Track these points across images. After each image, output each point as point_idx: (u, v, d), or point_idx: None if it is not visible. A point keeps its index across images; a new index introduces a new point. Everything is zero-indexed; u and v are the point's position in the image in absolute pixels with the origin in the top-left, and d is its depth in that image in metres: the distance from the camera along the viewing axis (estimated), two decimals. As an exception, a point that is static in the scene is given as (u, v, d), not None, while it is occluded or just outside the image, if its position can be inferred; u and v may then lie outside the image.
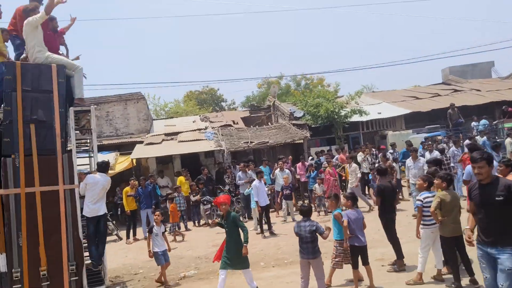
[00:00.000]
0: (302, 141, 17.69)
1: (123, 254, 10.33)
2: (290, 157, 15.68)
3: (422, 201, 6.27)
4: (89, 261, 7.25)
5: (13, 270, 6.25)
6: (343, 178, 13.78)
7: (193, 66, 73.44)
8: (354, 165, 12.66)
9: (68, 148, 7.23)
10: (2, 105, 6.92)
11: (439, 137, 17.70)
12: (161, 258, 7.76)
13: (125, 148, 18.05)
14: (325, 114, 18.64)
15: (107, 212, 7.48)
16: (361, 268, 6.39)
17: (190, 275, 8.05)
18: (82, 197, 7.21)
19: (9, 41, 7.54)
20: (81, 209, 7.05)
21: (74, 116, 7.16)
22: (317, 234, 5.98)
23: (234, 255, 6.44)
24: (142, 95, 20.63)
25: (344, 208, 6.82)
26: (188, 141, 17.92)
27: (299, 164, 15.19)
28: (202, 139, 18.10)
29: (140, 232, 12.40)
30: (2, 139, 6.40)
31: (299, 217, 6.60)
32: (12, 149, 6.40)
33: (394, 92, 30.04)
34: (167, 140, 18.49)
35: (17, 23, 7.63)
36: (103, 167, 7.38)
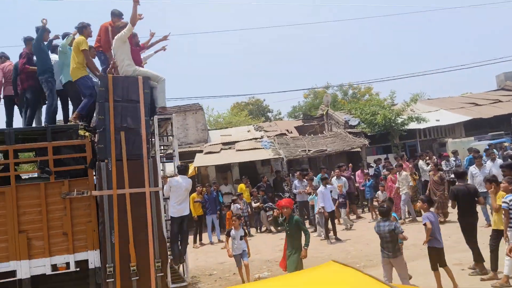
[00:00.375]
0: (359, 149, 17.69)
1: (193, 257, 10.80)
2: (350, 164, 15.70)
3: (508, 204, 6.25)
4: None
5: (107, 265, 6.82)
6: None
7: (239, 77, 74.79)
8: (404, 173, 12.55)
9: (152, 154, 7.77)
10: (94, 114, 7.62)
11: (506, 144, 17.06)
12: (239, 260, 8.12)
13: (184, 157, 18.75)
14: (382, 122, 18.52)
15: (190, 212, 7.94)
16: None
17: (264, 276, 8.34)
18: (165, 199, 7.72)
19: (95, 57, 8.27)
20: (165, 210, 7.55)
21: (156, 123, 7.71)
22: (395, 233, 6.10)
23: (291, 258, 6.74)
24: (200, 106, 21.40)
25: (422, 211, 6.92)
26: (246, 150, 18.37)
27: (358, 172, 15.21)
28: (259, 148, 18.50)
29: (205, 237, 12.87)
30: (97, 145, 7.03)
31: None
32: (105, 155, 7.01)
33: (450, 98, 29.20)
34: (225, 149, 19.05)
35: (101, 40, 8.38)
36: (183, 169, 7.87)
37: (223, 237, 10.97)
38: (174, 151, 8.08)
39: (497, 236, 6.69)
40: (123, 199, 7.02)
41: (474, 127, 23.11)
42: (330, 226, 11.34)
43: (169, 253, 7.49)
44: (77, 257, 6.91)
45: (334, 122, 22.21)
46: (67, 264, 6.88)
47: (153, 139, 7.82)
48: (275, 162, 19.25)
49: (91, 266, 6.95)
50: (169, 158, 9.17)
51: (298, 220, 6.88)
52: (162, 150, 9.40)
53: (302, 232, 6.82)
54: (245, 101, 45.48)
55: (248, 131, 23.50)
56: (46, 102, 7.72)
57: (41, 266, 6.75)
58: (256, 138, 20.54)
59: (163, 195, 7.47)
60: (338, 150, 16.71)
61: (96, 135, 7.19)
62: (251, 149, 18.51)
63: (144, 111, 7.31)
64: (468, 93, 33.99)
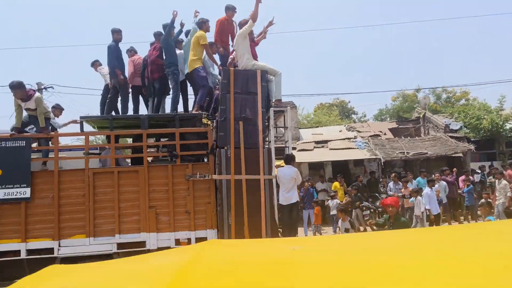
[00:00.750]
0: (461, 154, 16.86)
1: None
2: (455, 169, 15.04)
3: None
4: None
5: (223, 244, 7.36)
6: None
7: (324, 78, 74.08)
8: (504, 182, 11.81)
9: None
10: (212, 105, 8.24)
11: None
12: None
13: (278, 154, 19.24)
14: (489, 127, 17.45)
15: (298, 200, 8.27)
16: None
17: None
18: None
19: (216, 52, 8.91)
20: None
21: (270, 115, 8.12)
22: None
23: None
24: (294, 104, 21.75)
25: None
26: (339, 149, 18.37)
27: (462, 178, 14.53)
28: (352, 148, 18.40)
29: (301, 231, 13.16)
30: (218, 133, 7.62)
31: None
32: (225, 142, 7.58)
33: None
34: (318, 147, 19.22)
35: (217, 34, 9.03)
36: (289, 159, 8.24)
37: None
38: (287, 141, 8.47)
39: None
40: (240, 184, 7.53)
41: None
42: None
43: (279, 238, 7.85)
44: (198, 234, 7.55)
45: (432, 125, 21.32)
46: (189, 240, 7.55)
47: (268, 130, 8.25)
48: (368, 163, 19.00)
49: (208, 244, 7.54)
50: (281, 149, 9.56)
51: (405, 222, 6.80)
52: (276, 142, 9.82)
53: None
54: (329, 102, 45.08)
55: (340, 131, 23.41)
56: (171, 92, 8.50)
57: (166, 239, 7.49)
58: (349, 138, 20.43)
59: (276, 183, 7.86)
60: (439, 154, 16.07)
61: (217, 123, 7.79)
62: (345, 148, 18.47)
63: (261, 103, 7.78)
64: None
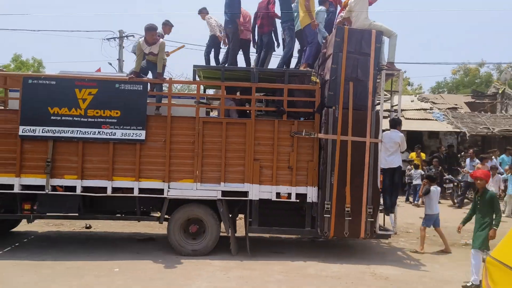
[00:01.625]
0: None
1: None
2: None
3: None
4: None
5: (325, 202, 7.48)
6: None
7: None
8: None
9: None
10: (318, 63, 8.11)
11: None
12: (429, 221, 8.30)
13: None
14: None
15: (401, 165, 8.19)
16: None
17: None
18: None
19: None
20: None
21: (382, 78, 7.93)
22: None
23: (477, 233, 6.35)
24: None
25: None
26: (415, 119, 17.84)
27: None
28: (429, 119, 17.82)
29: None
30: (328, 92, 7.56)
31: None
32: (334, 102, 7.53)
33: None
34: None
35: None
36: (395, 123, 8.10)
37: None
38: (396, 105, 8.32)
39: None
40: (345, 145, 7.52)
41: None
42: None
43: (381, 202, 7.86)
44: (298, 190, 7.69)
45: (513, 102, 20.14)
46: (289, 194, 7.72)
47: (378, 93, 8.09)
48: (444, 136, 18.38)
49: (308, 200, 7.68)
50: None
51: (493, 195, 6.48)
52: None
53: (494, 210, 6.36)
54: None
55: (411, 101, 22.64)
56: (285, 48, 8.44)
57: (268, 192, 7.69)
58: (424, 109, 19.75)
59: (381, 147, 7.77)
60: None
61: (323, 82, 7.72)
62: (421, 119, 17.91)
63: (373, 65, 7.60)
64: None
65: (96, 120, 7.51)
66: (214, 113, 9.40)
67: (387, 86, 8.98)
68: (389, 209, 7.88)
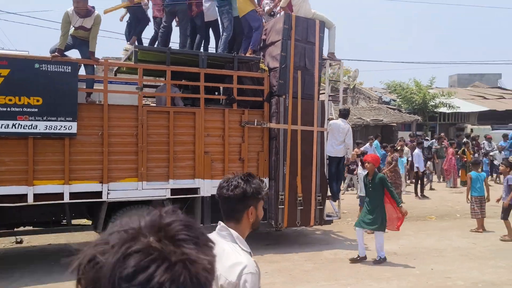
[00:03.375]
0: (394, 124, 18.71)
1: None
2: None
3: None
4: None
5: (279, 193, 7.31)
6: (464, 159, 14.73)
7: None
8: (406, 149, 13.86)
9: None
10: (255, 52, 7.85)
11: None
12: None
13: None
14: (420, 101, 19.58)
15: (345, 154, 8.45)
16: None
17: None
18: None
19: None
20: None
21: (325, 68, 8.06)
22: None
23: (368, 216, 6.58)
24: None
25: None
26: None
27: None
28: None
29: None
30: (278, 80, 7.36)
31: None
32: (284, 90, 7.38)
33: (459, 89, 30.79)
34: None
35: None
36: (345, 114, 8.35)
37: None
38: (338, 95, 8.55)
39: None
40: (295, 134, 7.46)
41: (484, 118, 24.73)
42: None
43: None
44: (249, 183, 7.32)
45: (364, 96, 23.01)
46: (240, 188, 7.29)
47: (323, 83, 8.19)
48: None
49: (259, 192, 7.39)
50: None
51: (383, 177, 6.77)
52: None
53: (388, 190, 6.62)
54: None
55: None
56: (224, 33, 7.81)
57: (219, 187, 7.12)
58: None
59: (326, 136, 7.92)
60: (391, 122, 17.64)
61: (274, 71, 7.49)
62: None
63: (318, 54, 7.69)
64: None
65: (8, 109, 5.84)
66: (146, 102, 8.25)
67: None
68: (336, 195, 8.13)
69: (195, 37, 7.81)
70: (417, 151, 12.53)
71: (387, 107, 19.96)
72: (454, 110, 21.36)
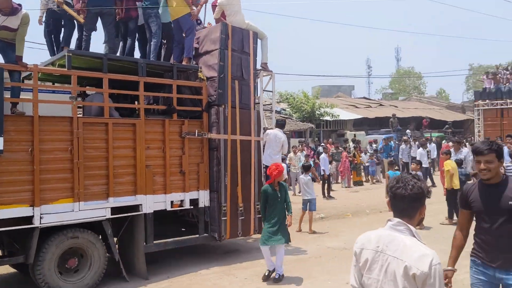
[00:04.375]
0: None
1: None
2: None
3: None
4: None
5: (222, 205, 7.19)
6: (355, 162, 16.20)
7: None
8: (299, 154, 15.31)
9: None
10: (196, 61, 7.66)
11: (405, 138, 21.20)
12: None
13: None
14: (310, 109, 20.98)
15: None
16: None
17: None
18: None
19: None
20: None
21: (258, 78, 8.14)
22: None
23: (278, 228, 6.14)
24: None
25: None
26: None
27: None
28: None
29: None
30: (217, 90, 7.25)
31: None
32: (223, 100, 7.31)
33: (331, 99, 33.76)
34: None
35: None
36: (281, 124, 8.49)
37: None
38: (272, 105, 8.65)
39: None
40: (235, 144, 7.43)
41: (358, 124, 27.59)
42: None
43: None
44: (191, 196, 7.08)
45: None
46: (181, 201, 7.01)
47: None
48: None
49: (201, 205, 7.19)
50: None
51: (286, 186, 6.61)
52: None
53: (287, 199, 6.41)
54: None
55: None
56: (153, 39, 7.35)
57: (162, 202, 6.75)
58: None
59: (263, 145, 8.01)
60: (286, 131, 18.43)
61: (212, 80, 7.36)
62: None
63: (253, 65, 7.79)
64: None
65: None
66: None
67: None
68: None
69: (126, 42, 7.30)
70: (323, 155, 13.41)
71: (279, 115, 20.95)
72: (336, 118, 23.35)
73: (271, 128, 8.38)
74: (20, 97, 5.87)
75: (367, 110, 29.84)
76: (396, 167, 10.24)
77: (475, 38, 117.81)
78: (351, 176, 16.28)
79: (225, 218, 7.21)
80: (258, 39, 7.98)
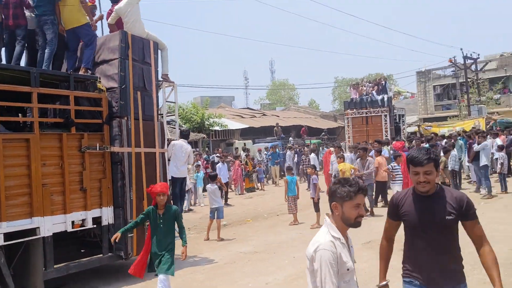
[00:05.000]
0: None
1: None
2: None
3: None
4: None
5: (128, 221, 6.87)
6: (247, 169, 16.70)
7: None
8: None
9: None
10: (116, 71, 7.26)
11: (289, 145, 22.44)
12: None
13: None
14: (199, 120, 21.07)
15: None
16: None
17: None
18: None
19: None
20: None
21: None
22: None
23: (161, 256, 5.24)
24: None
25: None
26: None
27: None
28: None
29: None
30: (119, 101, 6.95)
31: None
32: (126, 112, 7.04)
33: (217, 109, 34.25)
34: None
35: None
36: (186, 134, 8.33)
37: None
38: (175, 116, 8.46)
39: None
40: (139, 157, 7.19)
41: (245, 133, 28.46)
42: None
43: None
44: (93, 214, 6.65)
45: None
46: (83, 221, 6.54)
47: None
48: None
49: (104, 223, 6.79)
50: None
51: (177, 210, 5.57)
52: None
53: (179, 225, 5.50)
54: None
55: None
56: (48, 47, 6.73)
57: (62, 222, 6.22)
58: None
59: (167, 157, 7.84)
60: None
61: (112, 91, 7.03)
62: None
63: (155, 75, 7.64)
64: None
65: None
66: None
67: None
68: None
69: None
70: (220, 165, 13.60)
71: (169, 126, 20.65)
72: (224, 128, 23.80)
73: (175, 140, 8.27)
74: None
75: (252, 120, 30.93)
76: (293, 172, 10.81)
77: (338, 53, 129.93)
78: (243, 183, 16.75)
79: (132, 234, 6.90)
80: (158, 50, 7.84)
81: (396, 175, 10.54)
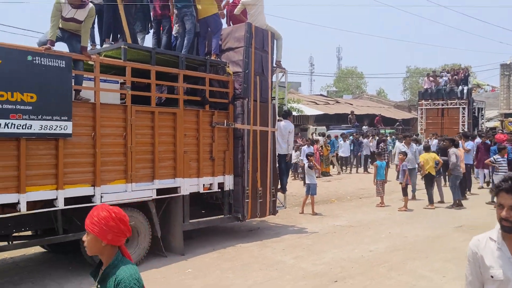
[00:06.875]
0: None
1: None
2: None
3: None
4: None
5: (245, 188, 7.95)
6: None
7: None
8: None
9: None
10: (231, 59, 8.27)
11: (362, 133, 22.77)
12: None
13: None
14: (279, 104, 21.97)
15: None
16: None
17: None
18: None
19: None
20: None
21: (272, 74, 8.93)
22: None
23: None
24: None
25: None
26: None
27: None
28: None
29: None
30: (243, 85, 7.98)
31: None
32: (247, 94, 8.05)
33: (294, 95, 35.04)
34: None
35: None
36: (286, 114, 9.33)
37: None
38: (284, 99, 9.49)
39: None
40: (256, 134, 8.21)
41: (319, 119, 29.05)
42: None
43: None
44: (218, 180, 7.78)
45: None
46: (210, 185, 7.70)
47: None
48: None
49: (226, 188, 7.92)
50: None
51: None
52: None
53: None
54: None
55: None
56: (187, 35, 7.91)
57: (195, 185, 7.40)
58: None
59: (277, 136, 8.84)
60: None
61: (237, 75, 8.06)
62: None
63: (271, 62, 8.59)
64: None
65: (1, 106, 5.11)
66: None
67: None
68: (285, 188, 9.12)
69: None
70: (305, 147, 14.55)
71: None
72: (301, 113, 24.54)
73: (280, 120, 9.24)
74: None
75: (326, 107, 31.43)
76: (382, 158, 11.41)
77: (413, 42, 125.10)
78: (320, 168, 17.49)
79: (248, 200, 7.98)
80: (274, 39, 8.76)
81: (500, 167, 10.44)
